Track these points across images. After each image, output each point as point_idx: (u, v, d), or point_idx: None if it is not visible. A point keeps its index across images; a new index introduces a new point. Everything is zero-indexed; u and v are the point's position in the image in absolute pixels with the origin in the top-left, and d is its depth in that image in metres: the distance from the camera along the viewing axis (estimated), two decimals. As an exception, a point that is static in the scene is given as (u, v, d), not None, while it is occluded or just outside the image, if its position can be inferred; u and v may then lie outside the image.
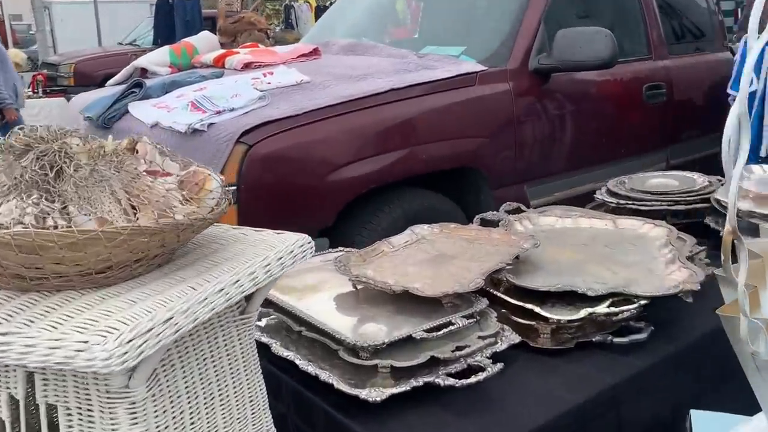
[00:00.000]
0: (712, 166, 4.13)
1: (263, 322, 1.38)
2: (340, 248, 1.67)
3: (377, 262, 1.50)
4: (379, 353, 1.14)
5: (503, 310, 1.39)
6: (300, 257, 0.95)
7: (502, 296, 1.39)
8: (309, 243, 0.96)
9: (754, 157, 3.05)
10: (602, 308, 1.31)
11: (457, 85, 2.76)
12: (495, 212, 1.82)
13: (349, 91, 2.55)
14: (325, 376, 1.12)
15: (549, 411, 1.08)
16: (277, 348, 1.23)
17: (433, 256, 1.53)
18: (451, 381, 1.09)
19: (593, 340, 1.31)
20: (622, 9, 3.67)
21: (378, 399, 1.05)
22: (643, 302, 1.31)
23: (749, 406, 1.58)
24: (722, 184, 2.16)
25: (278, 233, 0.99)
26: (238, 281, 0.84)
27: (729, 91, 3.12)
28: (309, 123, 2.41)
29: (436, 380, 1.10)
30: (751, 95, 3.00)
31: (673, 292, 1.31)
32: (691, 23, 4.00)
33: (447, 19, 3.64)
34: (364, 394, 1.06)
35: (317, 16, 10.95)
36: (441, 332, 1.15)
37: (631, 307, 1.30)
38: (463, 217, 2.75)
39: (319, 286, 1.44)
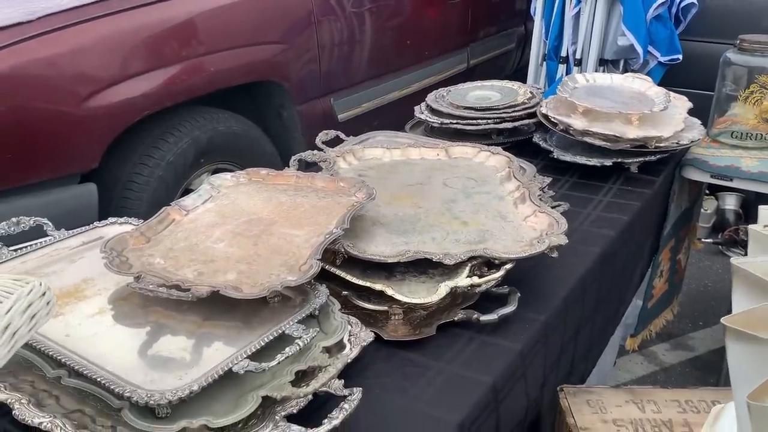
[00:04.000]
0: (509, 63, 4.13)
1: None
2: (113, 219, 1.22)
3: (167, 240, 1.10)
4: (185, 405, 0.78)
5: (344, 292, 1.09)
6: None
7: (342, 274, 1.09)
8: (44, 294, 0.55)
9: (556, 56, 3.01)
10: (464, 280, 1.06)
11: (244, -22, 2.26)
12: (314, 151, 1.48)
13: (103, -14, 1.94)
14: (104, 455, 0.74)
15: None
16: (24, 409, 0.81)
17: (244, 222, 1.16)
18: (295, 431, 0.78)
19: (455, 320, 1.07)
20: None
21: (192, 487, 0.71)
22: (508, 266, 1.09)
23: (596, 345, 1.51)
24: (543, 93, 2.03)
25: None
26: None
27: (532, -13, 3.01)
28: (50, 31, 1.80)
29: (274, 432, 0.78)
30: (552, -8, 2.91)
31: (540, 250, 1.10)
32: None
33: None
34: (169, 480, 0.71)
35: None
36: (276, 361, 0.81)
37: (496, 275, 1.07)
38: (267, 141, 2.36)
39: (83, 290, 1.01)
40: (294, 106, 2.43)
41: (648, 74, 2.84)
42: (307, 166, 1.49)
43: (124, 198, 1.96)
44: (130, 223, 1.20)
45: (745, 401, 0.43)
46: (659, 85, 1.98)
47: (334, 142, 1.64)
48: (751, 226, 0.56)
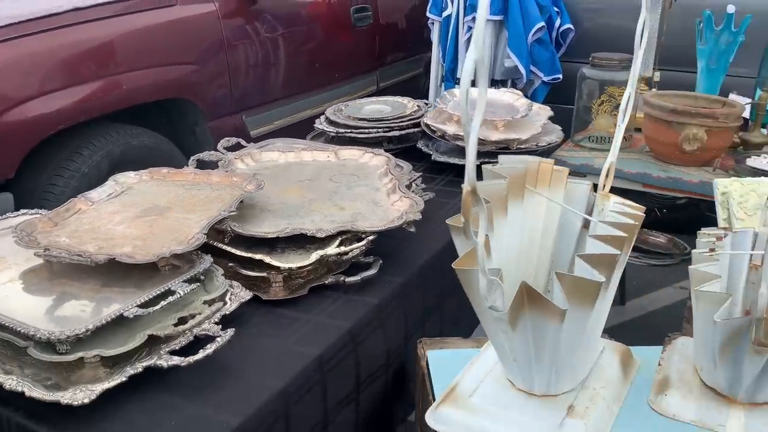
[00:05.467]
0: (417, 87, 4.43)
1: None
2: (24, 211, 1.37)
3: (73, 224, 1.25)
4: (84, 342, 0.94)
5: (231, 264, 1.27)
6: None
7: (227, 248, 1.27)
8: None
9: (452, 77, 3.29)
10: (333, 249, 1.26)
11: (155, 5, 2.44)
12: (212, 151, 1.66)
13: (18, 10, 2.08)
14: (12, 383, 0.89)
15: (288, 371, 1.01)
16: (-60, 355, 0.95)
17: (143, 209, 1.33)
18: (175, 360, 0.95)
19: (326, 282, 1.26)
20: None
21: (86, 401, 0.87)
22: (370, 237, 1.30)
23: (467, 317, 1.73)
24: (429, 107, 2.27)
25: None
26: None
27: (428, 14, 3.29)
28: (-34, 51, 1.92)
29: (158, 362, 0.95)
30: (447, 19, 3.20)
31: (397, 224, 1.31)
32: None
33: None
34: (66, 397, 0.87)
35: None
36: (159, 306, 0.99)
37: (360, 244, 1.28)
38: (180, 154, 2.52)
39: (-3, 265, 1.16)
40: (206, 123, 2.60)
41: (534, 92, 3.16)
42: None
43: (40, 207, 2.07)
44: (41, 215, 1.35)
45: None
46: (544, 102, 2.26)
47: (236, 149, 1.82)
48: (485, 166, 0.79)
